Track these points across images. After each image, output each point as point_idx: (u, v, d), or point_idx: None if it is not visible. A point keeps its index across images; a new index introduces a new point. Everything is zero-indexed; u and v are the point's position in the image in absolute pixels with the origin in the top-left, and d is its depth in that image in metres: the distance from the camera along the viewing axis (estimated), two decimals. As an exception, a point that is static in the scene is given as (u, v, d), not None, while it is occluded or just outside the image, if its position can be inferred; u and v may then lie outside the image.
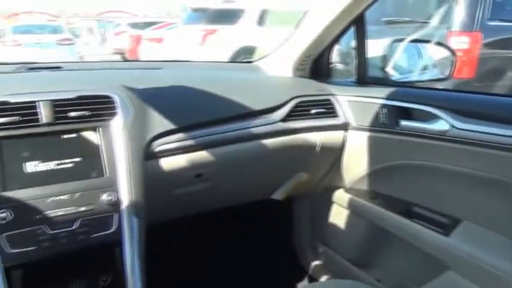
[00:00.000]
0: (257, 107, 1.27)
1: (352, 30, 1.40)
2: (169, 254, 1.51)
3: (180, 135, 1.12)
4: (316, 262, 1.72)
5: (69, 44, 9.88)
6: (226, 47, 6.68)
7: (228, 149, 1.21)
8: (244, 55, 6.65)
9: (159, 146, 1.09)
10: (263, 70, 1.55)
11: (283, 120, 1.29)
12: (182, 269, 1.63)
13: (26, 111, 0.94)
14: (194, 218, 1.42)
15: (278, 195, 1.50)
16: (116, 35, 13.27)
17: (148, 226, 1.05)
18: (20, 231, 0.89)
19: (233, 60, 6.37)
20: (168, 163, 1.11)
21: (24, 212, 0.90)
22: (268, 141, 1.27)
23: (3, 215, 0.87)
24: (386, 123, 1.28)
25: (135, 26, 12.01)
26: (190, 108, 1.19)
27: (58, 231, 0.92)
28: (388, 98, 1.28)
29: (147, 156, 1.06)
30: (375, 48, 1.49)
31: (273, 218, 1.76)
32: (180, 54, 7.06)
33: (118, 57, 11.50)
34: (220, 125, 1.20)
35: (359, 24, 1.38)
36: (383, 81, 1.45)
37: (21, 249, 0.89)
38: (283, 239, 1.80)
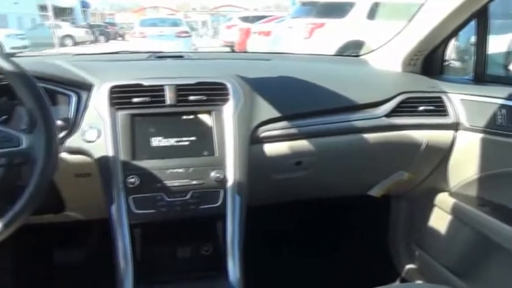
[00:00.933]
0: (362, 100, 1.27)
1: (472, 24, 1.31)
2: (264, 235, 1.59)
3: (285, 123, 1.18)
4: (410, 265, 1.66)
5: (185, 37, 10.68)
6: (333, 41, 6.60)
7: (329, 140, 1.23)
8: (351, 50, 6.49)
9: (264, 132, 1.17)
10: (370, 64, 1.53)
11: (388, 115, 1.27)
12: (274, 252, 1.71)
13: (155, 93, 1.09)
14: (290, 205, 1.48)
15: (375, 192, 1.48)
16: (227, 28, 14.00)
17: (248, 207, 1.13)
18: (143, 195, 1.04)
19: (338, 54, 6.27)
20: (271, 148, 1.18)
21: (148, 180, 1.04)
22: (371, 136, 1.26)
23: (132, 180, 1.03)
24: (504, 125, 1.18)
25: (245, 19, 12.49)
26: (295, 98, 1.24)
27: (173, 199, 1.05)
28: (509, 98, 1.18)
29: (253, 140, 1.14)
30: (497, 44, 1.37)
31: (368, 214, 1.74)
32: (286, 47, 7.18)
33: (228, 50, 12.11)
34: (324, 116, 1.23)
35: (481, 17, 1.29)
36: (504, 79, 1.34)
37: (144, 211, 1.04)
38: (376, 237, 1.77)
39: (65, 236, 1.64)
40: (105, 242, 1.51)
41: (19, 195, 0.79)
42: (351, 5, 6.95)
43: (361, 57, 1.63)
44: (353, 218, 1.78)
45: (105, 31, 23.28)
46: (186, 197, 1.06)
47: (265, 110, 1.18)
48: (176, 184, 1.06)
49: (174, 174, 1.06)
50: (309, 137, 1.21)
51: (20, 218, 0.77)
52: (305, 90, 1.27)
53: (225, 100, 1.13)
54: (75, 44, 18.56)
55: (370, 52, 1.60)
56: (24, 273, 1.61)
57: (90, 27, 22.52)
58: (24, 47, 13.30)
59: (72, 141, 1.04)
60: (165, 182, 1.05)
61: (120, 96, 1.07)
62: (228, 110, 1.13)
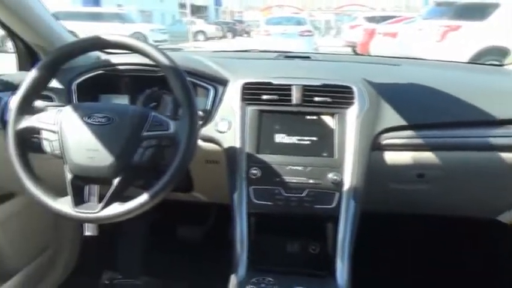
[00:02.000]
0: (501, 115, 1.16)
1: None
2: (375, 245, 1.55)
3: (410, 132, 1.14)
4: None
5: (308, 35, 10.74)
6: (469, 46, 6.01)
7: (459, 155, 1.15)
8: (488, 56, 5.84)
9: (386, 139, 1.14)
10: None
11: None
12: (386, 264, 1.66)
13: (283, 92, 1.14)
14: (407, 217, 1.42)
15: (507, 218, 1.33)
16: (350, 28, 13.69)
17: (362, 212, 1.12)
18: (263, 187, 1.11)
19: (473, 61, 5.68)
20: (392, 157, 1.15)
21: (269, 173, 1.11)
22: (509, 156, 1.14)
23: (255, 171, 1.10)
24: None
25: (371, 19, 12.07)
26: (425, 107, 1.18)
27: (290, 195, 1.10)
28: None
29: (374, 146, 1.13)
30: None
31: (493, 240, 1.57)
32: (414, 51, 6.74)
33: (349, 50, 11.88)
34: (455, 129, 1.15)
35: None
36: None
37: (262, 202, 1.10)
38: (500, 266, 1.58)
39: (188, 214, 1.82)
40: (222, 224, 1.63)
41: (163, 173, 0.91)
42: (495, 6, 6.23)
43: (505, 66, 1.47)
44: (476, 241, 1.62)
45: (232, 28, 24.77)
46: (302, 195, 1.10)
47: (391, 116, 1.15)
48: (294, 181, 1.10)
49: (293, 171, 1.10)
50: (436, 149, 1.14)
51: (163, 191, 0.89)
52: (436, 100, 1.20)
53: (350, 103, 1.14)
54: (206, 39, 20.14)
55: (517, 62, 1.43)
56: (150, 242, 1.84)
57: (221, 24, 24.16)
58: (165, 41, 14.86)
59: (207, 130, 1.15)
60: (284, 177, 1.10)
61: (251, 93, 1.15)
62: (352, 114, 1.13)
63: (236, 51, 1.78)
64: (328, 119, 1.15)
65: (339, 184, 1.09)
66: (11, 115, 0.93)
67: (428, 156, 1.15)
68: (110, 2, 21.10)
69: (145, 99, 1.28)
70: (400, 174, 1.20)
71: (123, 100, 1.29)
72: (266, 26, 11.17)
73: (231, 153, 1.13)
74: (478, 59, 5.98)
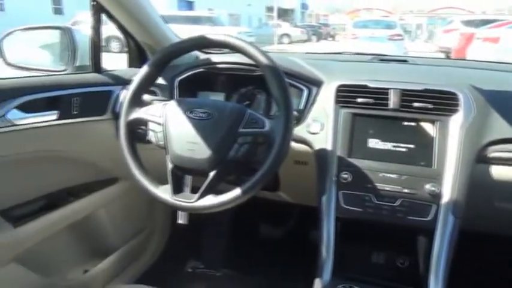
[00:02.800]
0: None
1: None
2: (473, 266, 1.43)
3: None
4: None
5: (398, 39, 10.27)
6: None
7: None
8: None
9: (494, 152, 1.04)
10: None
11: None
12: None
13: (379, 95, 1.10)
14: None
15: None
16: (444, 33, 12.79)
17: (461, 230, 1.03)
18: (353, 192, 1.08)
19: None
20: (500, 172, 1.05)
21: (360, 178, 1.08)
22: None
23: (346, 176, 1.08)
24: None
25: (469, 23, 11.16)
26: None
27: (382, 202, 1.06)
28: None
29: (479, 159, 1.04)
30: None
31: None
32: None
33: (442, 56, 11.12)
34: None
35: None
36: None
37: (351, 207, 1.08)
38: None
39: (271, 213, 1.85)
40: (303, 226, 1.62)
41: (253, 170, 0.93)
42: None
43: None
44: None
45: (317, 31, 24.59)
46: (395, 204, 1.05)
47: (501, 127, 1.05)
48: (387, 189, 1.06)
49: (387, 178, 1.06)
50: None
51: (256, 187, 0.91)
52: None
53: (454, 111, 1.06)
54: (291, 42, 20.25)
55: None
56: (233, 237, 1.90)
57: (306, 27, 24.13)
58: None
59: (298, 131, 1.15)
60: (376, 184, 1.06)
61: (346, 95, 1.13)
62: (456, 122, 1.05)
63: (329, 53, 1.76)
64: (427, 126, 1.08)
65: (436, 196, 1.02)
66: (123, 107, 1.02)
67: None
68: (202, 6, 22.25)
69: (240, 98, 1.32)
70: (508, 192, 1.09)
71: (218, 97, 1.34)
72: (353, 29, 10.91)
73: (321, 156, 1.12)
74: None
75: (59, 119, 1.15)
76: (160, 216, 1.80)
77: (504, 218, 1.19)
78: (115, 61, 1.52)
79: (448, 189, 1.02)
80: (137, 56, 1.41)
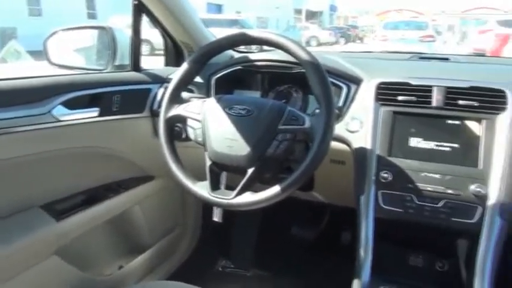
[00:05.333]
0: None
1: None
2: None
3: None
4: None
5: (429, 41, 10.02)
6: None
7: None
8: None
9: None
10: None
11: None
12: None
13: (422, 93, 1.07)
14: None
15: None
16: (479, 33, 12.38)
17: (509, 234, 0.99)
18: (393, 192, 1.05)
19: None
20: None
21: (401, 178, 1.05)
22: None
23: (386, 175, 1.05)
24: None
25: (505, 23, 10.75)
26: None
27: (424, 203, 1.02)
28: None
29: None
30: None
31: None
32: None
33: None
34: None
35: None
36: None
37: (391, 208, 1.05)
38: None
39: (303, 214, 1.83)
40: (334, 226, 1.58)
41: (291, 168, 0.92)
42: None
43: None
44: None
45: (346, 33, 24.32)
46: (438, 205, 1.01)
47: None
48: (429, 189, 1.02)
49: (429, 178, 1.03)
50: None
51: (295, 185, 0.89)
52: None
53: (502, 109, 1.02)
54: (319, 44, 20.12)
55: None
56: (264, 237, 1.89)
57: (334, 29, 23.92)
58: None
59: (337, 129, 1.13)
60: (418, 184, 1.03)
61: (386, 93, 1.11)
62: (504, 121, 1.01)
63: (364, 52, 1.73)
64: (473, 125, 1.04)
65: (482, 198, 0.98)
66: (163, 104, 1.04)
67: None
68: (230, 9, 22.45)
69: (276, 96, 1.32)
70: None
71: (254, 95, 1.34)
72: (383, 31, 10.73)
73: (360, 154, 1.10)
74: None
75: (100, 115, 1.18)
76: (192, 215, 1.81)
77: None
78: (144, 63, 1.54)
79: (495, 191, 0.97)
80: (174, 56, 1.44)
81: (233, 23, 14.40)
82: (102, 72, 1.28)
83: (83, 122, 1.14)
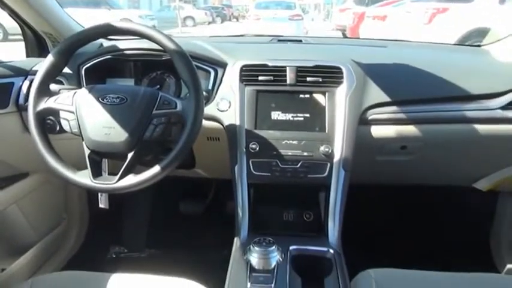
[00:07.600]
0: (476, 91, 1.27)
1: None
2: (361, 213, 1.67)
3: (393, 108, 1.25)
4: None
5: (298, 20, 10.75)
6: (456, 28, 6.11)
7: (438, 128, 1.27)
8: (475, 38, 5.93)
9: (372, 114, 1.25)
10: (491, 55, 1.48)
11: (504, 108, 1.25)
12: (371, 227, 1.78)
13: (278, 73, 1.25)
14: (392, 188, 1.54)
15: (481, 185, 1.46)
16: (340, 12, 13.67)
17: (350, 184, 1.23)
18: (261, 160, 1.21)
19: (461, 43, 5.80)
20: (377, 131, 1.26)
21: (266, 147, 1.21)
22: (482, 127, 1.26)
23: (254, 146, 1.20)
24: None
25: (360, 2, 11.96)
26: (407, 84, 1.29)
27: (286, 166, 1.21)
28: None
29: (361, 121, 1.23)
30: None
31: (470, 208, 1.71)
32: (402, 33, 6.83)
33: (339, 34, 11.91)
34: (434, 104, 1.26)
35: None
36: None
37: (261, 173, 1.21)
38: (477, 232, 1.73)
39: (190, 190, 1.93)
40: (221, 198, 1.72)
41: (170, 148, 1.00)
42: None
43: (482, 47, 1.59)
44: (454, 209, 1.76)
45: (221, 13, 24.52)
46: (297, 166, 1.21)
47: (376, 94, 1.25)
48: (289, 154, 1.21)
49: (289, 145, 1.21)
50: (417, 123, 1.26)
51: (173, 164, 0.98)
52: (418, 78, 1.31)
53: (339, 83, 1.24)
54: (195, 24, 19.94)
55: (493, 42, 1.54)
56: (154, 217, 1.95)
57: (209, 9, 23.88)
58: (154, 27, 14.65)
59: (208, 110, 1.25)
60: (280, 150, 1.21)
61: (249, 74, 1.25)
62: (341, 92, 1.23)
63: (232, 36, 1.87)
64: (319, 97, 1.25)
65: (329, 156, 1.20)
66: (30, 98, 1.02)
67: (410, 129, 1.26)
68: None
69: (150, 82, 1.37)
70: (385, 147, 1.31)
71: (128, 83, 1.37)
72: (256, 10, 11.14)
73: (231, 130, 1.23)
74: (465, 41, 6.08)
75: None
76: (77, 207, 1.78)
77: (385, 169, 1.43)
78: None
79: (338, 149, 1.20)
80: (36, 46, 1.37)
81: (100, 2, 13.41)
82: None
83: None
